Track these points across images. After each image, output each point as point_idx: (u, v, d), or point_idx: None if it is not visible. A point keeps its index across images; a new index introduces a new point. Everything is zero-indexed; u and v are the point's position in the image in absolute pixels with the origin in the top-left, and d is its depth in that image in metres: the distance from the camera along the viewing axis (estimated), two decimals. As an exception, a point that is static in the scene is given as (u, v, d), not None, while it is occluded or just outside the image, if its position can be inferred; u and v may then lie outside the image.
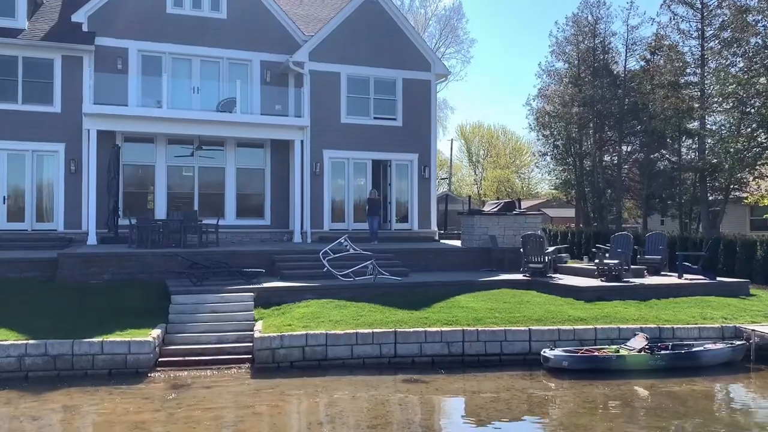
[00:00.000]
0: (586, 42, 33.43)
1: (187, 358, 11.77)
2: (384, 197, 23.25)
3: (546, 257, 16.66)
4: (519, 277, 16.59)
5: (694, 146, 29.22)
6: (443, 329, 12.06)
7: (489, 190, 61.13)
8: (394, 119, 22.84)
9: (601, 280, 15.73)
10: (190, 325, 12.66)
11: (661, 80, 26.97)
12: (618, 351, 11.79)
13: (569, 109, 32.35)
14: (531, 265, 16.69)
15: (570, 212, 42.77)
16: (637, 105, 29.94)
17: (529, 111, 36.82)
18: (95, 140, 18.98)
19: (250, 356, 11.82)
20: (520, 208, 21.26)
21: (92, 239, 18.88)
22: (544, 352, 11.67)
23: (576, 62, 33.89)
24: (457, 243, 21.66)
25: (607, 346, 12.07)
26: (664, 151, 30.77)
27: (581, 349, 11.86)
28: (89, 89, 19.60)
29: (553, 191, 38.33)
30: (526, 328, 12.29)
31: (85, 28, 20.20)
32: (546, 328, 12.34)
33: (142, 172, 21.29)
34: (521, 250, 17.11)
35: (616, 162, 32.48)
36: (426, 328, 12.06)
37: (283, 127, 21.12)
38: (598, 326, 12.49)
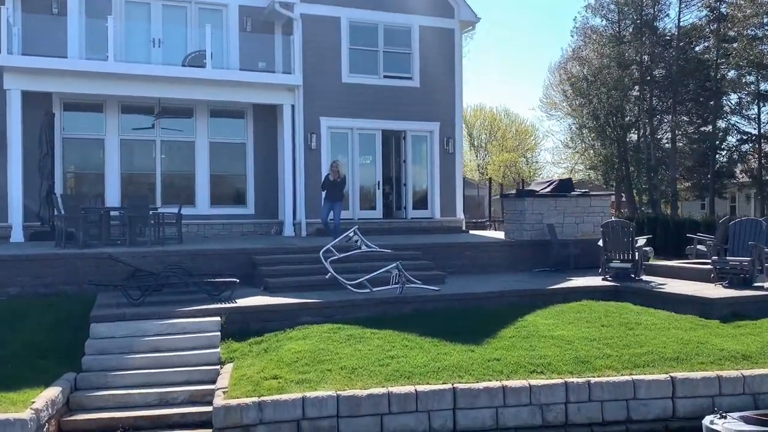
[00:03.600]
0: (630, -10, 28.29)
1: (103, 437, 7.02)
2: (397, 178, 18.49)
3: (635, 253, 11.98)
4: (597, 281, 11.98)
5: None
6: (531, 382, 7.23)
7: (495, 175, 56.85)
8: (410, 78, 18.04)
9: (723, 285, 11.05)
10: (115, 375, 7.85)
11: (745, 26, 21.90)
12: (827, 416, 7.05)
13: (611, 71, 27.21)
14: (614, 265, 12.02)
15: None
16: (701, 64, 24.85)
17: (561, 76, 31.71)
18: (19, 105, 14.56)
19: (209, 431, 7.06)
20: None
21: (17, 236, 14.48)
22: (713, 423, 6.87)
23: (616, 18, 28.80)
24: (492, 234, 17.24)
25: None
26: (733, 119, 25.71)
27: (764, 414, 7.11)
28: (14, 37, 14.84)
29: (590, 172, 33.21)
30: (666, 377, 7.48)
31: (9, -41, 15.42)
32: (698, 375, 7.51)
33: (88, 149, 16.55)
34: (599, 243, 12.41)
35: (667, 135, 27.50)
36: (504, 382, 7.19)
37: (269, 87, 16.40)
38: (781, 371, 7.72)
